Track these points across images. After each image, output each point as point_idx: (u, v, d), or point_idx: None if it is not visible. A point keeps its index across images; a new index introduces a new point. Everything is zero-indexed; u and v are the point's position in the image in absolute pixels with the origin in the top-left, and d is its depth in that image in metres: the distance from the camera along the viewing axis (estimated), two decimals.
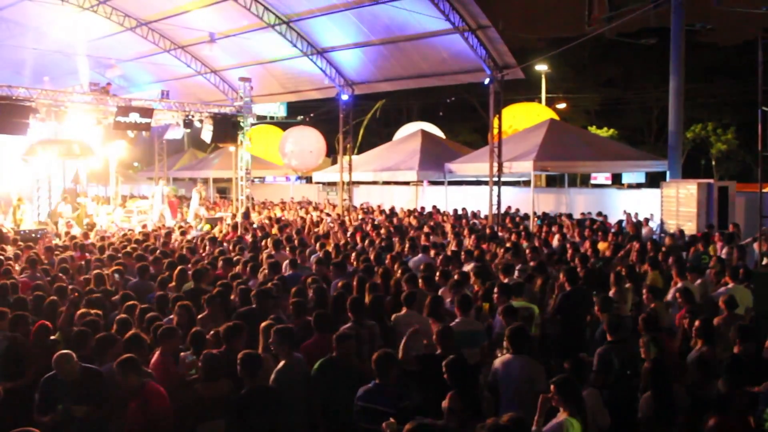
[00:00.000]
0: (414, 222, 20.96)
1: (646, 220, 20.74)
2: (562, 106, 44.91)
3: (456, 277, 10.17)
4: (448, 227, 19.25)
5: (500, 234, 17.85)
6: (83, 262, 13.30)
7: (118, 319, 7.95)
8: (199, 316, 8.56)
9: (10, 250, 15.24)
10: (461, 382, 6.13)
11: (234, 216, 24.97)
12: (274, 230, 18.71)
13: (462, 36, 21.38)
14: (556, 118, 31.14)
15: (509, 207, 24.56)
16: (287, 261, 12.48)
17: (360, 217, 24.06)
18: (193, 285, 10.33)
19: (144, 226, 22.42)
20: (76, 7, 26.29)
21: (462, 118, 50.75)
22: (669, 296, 10.17)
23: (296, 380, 6.56)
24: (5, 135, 21.18)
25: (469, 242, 15.59)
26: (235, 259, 12.90)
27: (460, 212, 23.89)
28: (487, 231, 18.13)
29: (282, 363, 6.61)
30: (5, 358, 7.52)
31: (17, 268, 13.09)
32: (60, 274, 11.78)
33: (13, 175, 24.71)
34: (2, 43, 30.30)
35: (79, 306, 8.90)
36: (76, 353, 6.72)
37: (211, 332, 7.63)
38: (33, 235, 19.55)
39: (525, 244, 14.96)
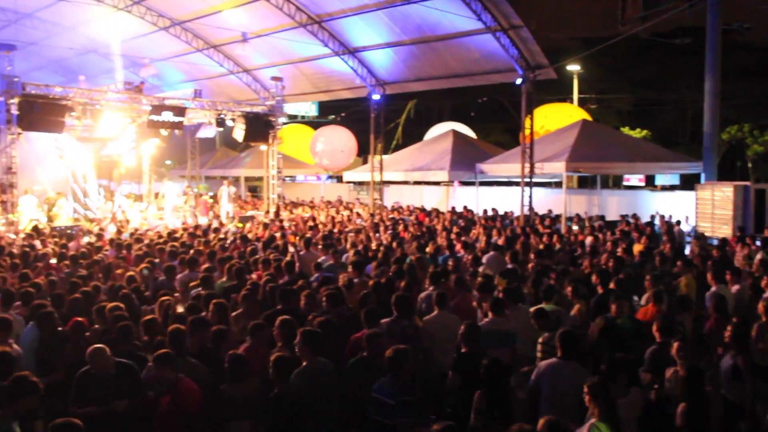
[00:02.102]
0: (446, 223, 20.91)
1: (678, 222, 20.46)
2: (594, 106, 44.48)
3: (480, 278, 10.12)
4: (478, 228, 19.17)
5: (531, 236, 17.71)
6: (120, 259, 13.41)
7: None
8: (233, 314, 8.61)
9: (40, 246, 15.48)
10: (493, 383, 6.09)
11: (267, 214, 25.10)
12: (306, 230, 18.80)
13: (494, 36, 21.27)
14: (589, 118, 30.86)
15: (546, 211, 24.34)
16: (321, 259, 12.55)
17: (391, 216, 24.03)
18: (230, 282, 10.39)
19: (184, 223, 22.73)
20: (111, 8, 26.64)
21: (493, 118, 50.49)
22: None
23: (318, 383, 6.43)
24: (42, 133, 21.51)
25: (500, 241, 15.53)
26: (272, 258, 12.92)
27: (490, 213, 23.77)
28: (518, 231, 18.04)
29: (303, 365, 6.50)
30: (37, 354, 7.60)
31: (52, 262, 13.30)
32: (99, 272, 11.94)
33: (48, 172, 25.10)
34: (40, 43, 30.82)
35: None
36: (118, 348, 6.82)
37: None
38: (68, 231, 19.81)
39: (557, 246, 14.86)
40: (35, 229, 18.87)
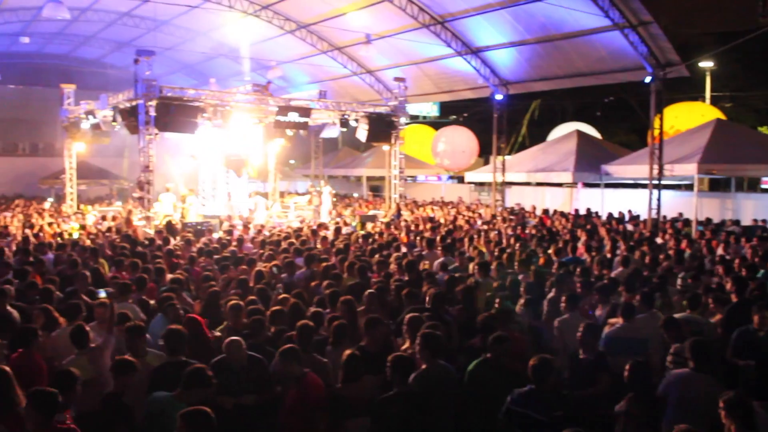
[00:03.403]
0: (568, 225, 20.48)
1: None
2: (728, 105, 42.29)
3: (606, 281, 9.91)
4: (603, 231, 18.64)
5: (660, 240, 17.06)
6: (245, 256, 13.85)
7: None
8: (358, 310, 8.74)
9: (174, 242, 16.22)
10: (643, 387, 5.88)
11: (387, 213, 25.36)
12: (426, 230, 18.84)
13: (622, 33, 20.65)
14: (723, 117, 29.40)
15: (676, 215, 23.38)
16: (439, 260, 12.54)
17: (512, 217, 23.74)
18: (353, 280, 10.56)
19: (302, 221, 23.26)
20: (241, 13, 27.65)
21: (619, 118, 48.91)
22: None
23: (438, 387, 6.33)
24: (177, 133, 22.55)
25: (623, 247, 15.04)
26: (394, 257, 13.00)
27: (616, 216, 23.06)
28: (646, 234, 17.44)
29: (422, 368, 6.42)
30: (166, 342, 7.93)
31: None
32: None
33: (182, 171, 26.32)
34: (175, 48, 32.41)
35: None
36: (249, 341, 7.07)
37: None
38: (198, 227, 20.66)
39: (688, 252, 14.24)
40: (168, 225, 19.79)
